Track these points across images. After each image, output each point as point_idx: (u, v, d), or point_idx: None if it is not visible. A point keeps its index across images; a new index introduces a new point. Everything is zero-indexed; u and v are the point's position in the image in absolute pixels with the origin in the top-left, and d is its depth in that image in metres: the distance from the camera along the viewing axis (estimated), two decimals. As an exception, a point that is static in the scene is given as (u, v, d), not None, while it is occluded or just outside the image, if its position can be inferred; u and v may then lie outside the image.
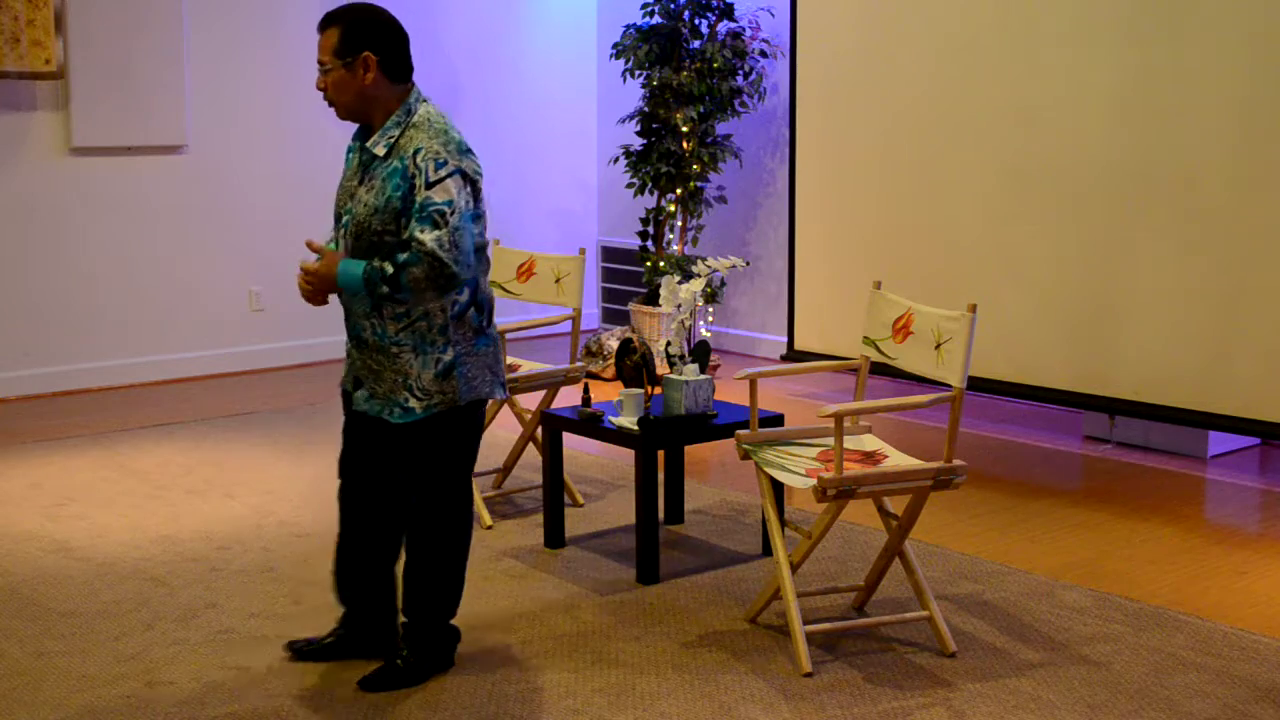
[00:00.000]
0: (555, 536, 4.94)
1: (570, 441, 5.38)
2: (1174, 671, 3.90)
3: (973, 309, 3.91)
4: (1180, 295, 5.77)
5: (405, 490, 3.79)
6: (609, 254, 9.21)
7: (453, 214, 3.49)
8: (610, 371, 7.69)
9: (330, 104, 3.63)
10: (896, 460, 4.16)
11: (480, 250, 3.67)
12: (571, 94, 9.20)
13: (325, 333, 7.93)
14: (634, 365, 4.72)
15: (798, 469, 4.06)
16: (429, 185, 3.52)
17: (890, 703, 3.71)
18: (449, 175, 3.55)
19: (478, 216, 3.65)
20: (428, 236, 3.46)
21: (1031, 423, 6.75)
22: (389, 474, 3.81)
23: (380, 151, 3.60)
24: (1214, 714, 3.65)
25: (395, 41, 3.65)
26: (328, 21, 3.60)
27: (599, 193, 9.32)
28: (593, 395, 5.88)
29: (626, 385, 4.78)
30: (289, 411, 6.97)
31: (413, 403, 3.63)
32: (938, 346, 4.00)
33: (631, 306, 8.07)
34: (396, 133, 3.61)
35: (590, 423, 4.74)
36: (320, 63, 3.60)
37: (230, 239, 7.86)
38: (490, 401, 3.92)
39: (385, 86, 3.62)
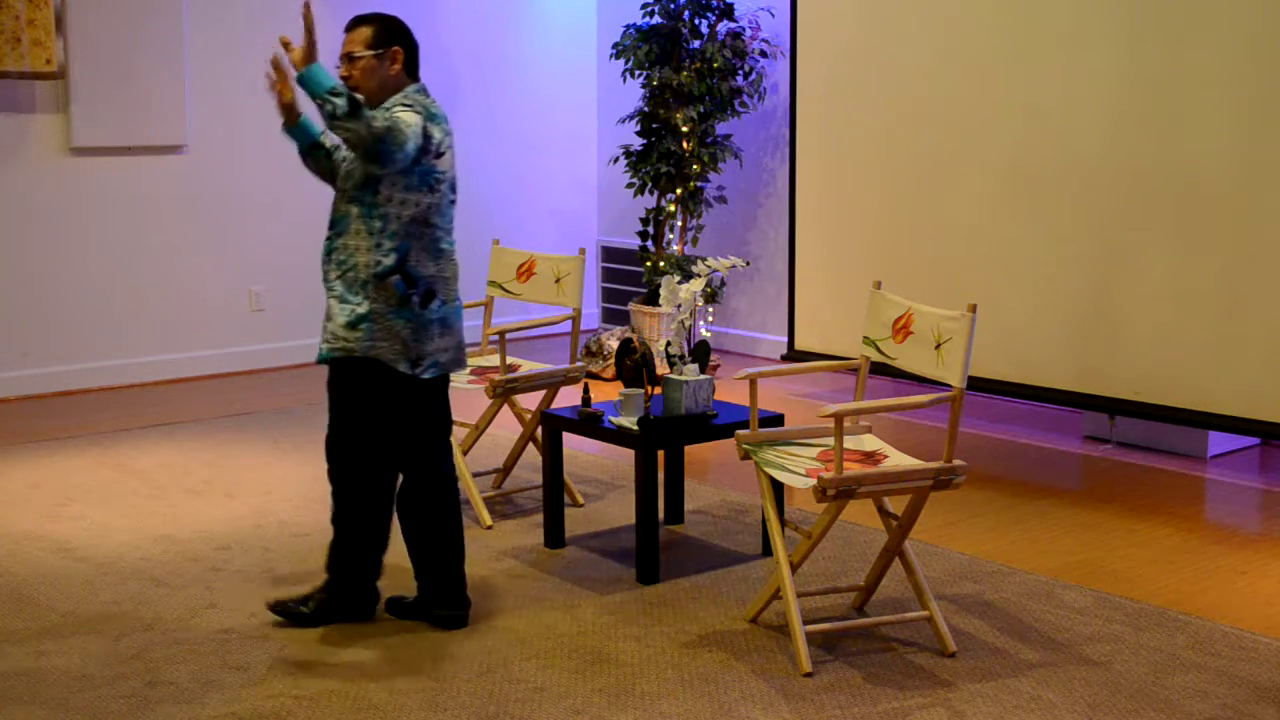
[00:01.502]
0: (555, 536, 4.94)
1: (570, 441, 5.38)
2: (1174, 671, 3.90)
3: (973, 309, 3.91)
4: (1180, 295, 5.77)
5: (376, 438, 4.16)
6: (609, 254, 9.21)
7: (406, 126, 3.89)
8: (610, 371, 7.69)
9: (352, 90, 3.99)
10: (896, 460, 4.16)
11: (425, 221, 4.03)
12: (571, 94, 9.20)
13: (325, 333, 7.92)
14: (634, 365, 4.72)
15: (798, 469, 4.06)
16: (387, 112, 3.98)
17: (890, 703, 3.71)
18: (410, 111, 3.98)
19: (451, 184, 4.10)
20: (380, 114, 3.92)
21: (1031, 423, 6.75)
22: (358, 425, 4.16)
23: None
24: (1214, 714, 3.65)
25: (414, 44, 4.21)
26: (361, 21, 4.12)
27: (599, 193, 9.32)
28: (593, 395, 5.88)
29: (626, 385, 4.78)
30: (289, 411, 6.97)
31: (323, 344, 4.05)
32: (938, 346, 4.00)
33: (631, 306, 8.07)
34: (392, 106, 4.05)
35: (590, 423, 4.74)
36: (350, 54, 4.07)
37: (230, 239, 7.86)
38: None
39: (402, 79, 4.12)
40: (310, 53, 3.91)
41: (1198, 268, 5.71)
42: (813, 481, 3.89)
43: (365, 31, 4.09)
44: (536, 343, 8.35)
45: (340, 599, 4.22)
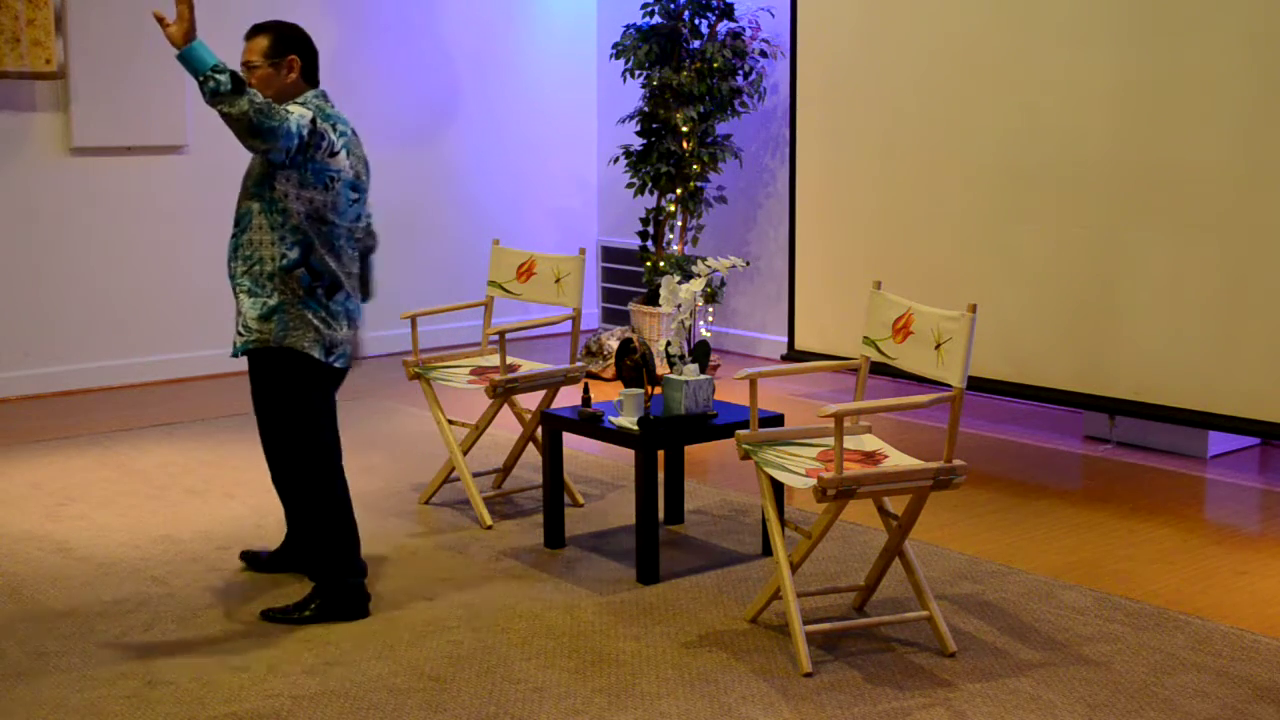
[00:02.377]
0: (555, 536, 4.94)
1: (570, 441, 5.38)
2: (1174, 671, 3.90)
3: (973, 309, 3.91)
4: (1180, 295, 5.77)
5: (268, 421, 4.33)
6: (609, 254, 9.21)
7: (286, 113, 3.94)
8: (610, 371, 7.70)
9: None
10: (896, 460, 4.16)
11: (351, 235, 4.22)
12: (571, 94, 9.20)
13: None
14: (634, 365, 4.72)
15: (798, 469, 4.06)
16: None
17: (890, 703, 3.71)
18: (301, 107, 4.07)
19: (353, 185, 4.18)
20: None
21: (1031, 423, 6.75)
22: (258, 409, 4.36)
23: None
24: (1214, 714, 3.65)
25: (312, 51, 4.29)
26: (258, 30, 4.23)
27: (599, 193, 9.32)
28: (593, 395, 5.88)
29: (626, 385, 4.78)
30: (289, 411, 6.97)
31: (237, 337, 4.21)
32: (938, 346, 4.00)
33: (631, 306, 8.07)
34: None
35: (590, 423, 4.74)
36: (248, 63, 4.19)
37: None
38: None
39: (300, 86, 4.22)
40: (190, 30, 3.96)
41: (1198, 267, 5.71)
42: (813, 481, 3.89)
43: (262, 41, 4.20)
44: (536, 343, 8.35)
45: (295, 549, 4.60)
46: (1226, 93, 5.58)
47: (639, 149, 7.97)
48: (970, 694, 3.76)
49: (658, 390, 4.77)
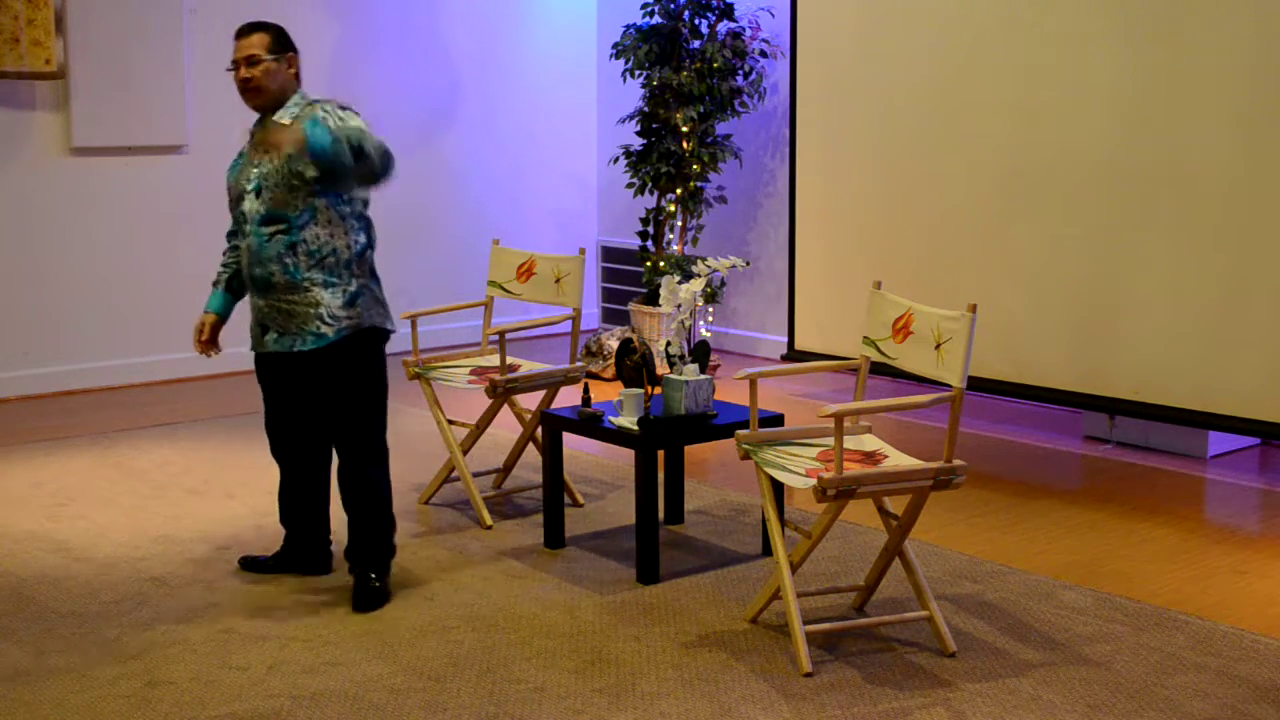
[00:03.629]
0: (555, 536, 4.94)
1: (570, 441, 5.38)
2: (1174, 671, 3.90)
3: (973, 309, 3.91)
4: (1180, 295, 5.77)
5: (325, 417, 4.41)
6: (609, 254, 9.21)
7: (369, 130, 4.14)
8: (610, 371, 7.70)
9: (254, 91, 4.32)
10: (896, 460, 4.16)
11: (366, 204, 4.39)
12: (571, 94, 9.20)
13: (325, 333, 7.92)
14: (634, 365, 4.72)
15: (798, 469, 4.06)
16: (340, 121, 4.16)
17: (890, 703, 3.71)
18: (355, 113, 4.26)
19: None
20: (366, 137, 4.12)
21: (1031, 423, 6.75)
22: (309, 409, 4.44)
23: (286, 120, 4.29)
24: (1214, 714, 3.65)
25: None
26: (257, 27, 4.35)
27: (599, 193, 9.32)
28: (593, 395, 5.88)
29: (626, 385, 4.78)
30: (289, 411, 6.97)
31: (324, 329, 4.25)
32: (938, 346, 4.00)
33: (631, 306, 8.07)
34: (298, 109, 4.32)
35: (590, 423, 4.74)
36: (251, 57, 4.29)
37: (230, 239, 7.85)
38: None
39: (295, 83, 4.39)
40: (296, 131, 4.13)
41: (1198, 267, 5.71)
42: (813, 481, 3.89)
43: (264, 37, 4.33)
44: (536, 343, 8.35)
45: (298, 550, 4.65)
46: (1226, 93, 5.58)
47: (639, 149, 7.97)
48: (970, 694, 3.76)
49: (658, 390, 4.77)
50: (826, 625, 4.09)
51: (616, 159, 8.13)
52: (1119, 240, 5.95)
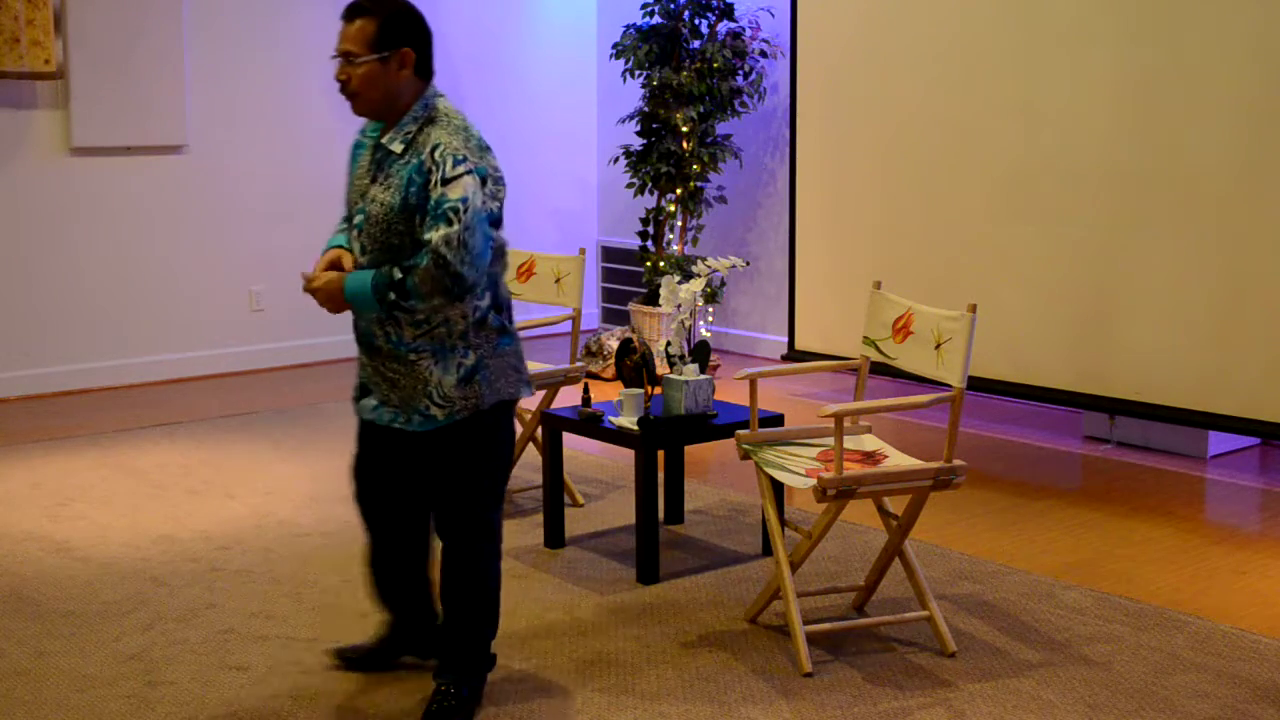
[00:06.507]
0: (555, 536, 4.94)
1: (570, 441, 5.38)
2: (1174, 671, 3.90)
3: (973, 309, 3.91)
4: (1180, 295, 5.77)
5: (431, 498, 3.61)
6: (609, 254, 9.21)
7: (465, 211, 3.29)
8: (610, 371, 7.70)
9: (350, 96, 3.43)
10: (896, 460, 4.16)
11: (500, 252, 3.51)
12: (571, 94, 9.20)
13: (325, 333, 7.93)
14: (634, 365, 4.72)
15: (798, 469, 4.06)
16: (444, 182, 3.32)
17: (890, 703, 3.71)
18: (466, 173, 3.33)
19: (496, 220, 3.44)
20: (437, 235, 3.28)
21: (1031, 423, 6.75)
22: (410, 483, 3.65)
23: (397, 149, 3.41)
24: (1214, 714, 3.65)
25: (428, 39, 3.47)
26: (361, 11, 3.39)
27: (599, 193, 9.32)
28: (593, 395, 5.88)
29: (626, 385, 4.78)
30: (289, 411, 6.97)
31: (434, 410, 3.46)
32: (938, 346, 4.00)
33: (631, 306, 8.07)
34: (414, 129, 3.42)
35: (590, 423, 4.74)
36: (347, 53, 3.39)
37: (230, 239, 7.86)
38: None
39: (412, 84, 3.43)
40: (335, 282, 3.40)
41: (1198, 267, 5.71)
42: (813, 481, 3.89)
43: (367, 27, 3.37)
44: (536, 343, 8.34)
45: (403, 633, 3.89)
46: (1226, 93, 5.58)
47: (639, 149, 7.97)
48: (970, 694, 3.76)
49: (658, 390, 4.77)
50: (826, 625, 4.09)
51: (616, 159, 8.13)
52: (1119, 240, 5.95)
